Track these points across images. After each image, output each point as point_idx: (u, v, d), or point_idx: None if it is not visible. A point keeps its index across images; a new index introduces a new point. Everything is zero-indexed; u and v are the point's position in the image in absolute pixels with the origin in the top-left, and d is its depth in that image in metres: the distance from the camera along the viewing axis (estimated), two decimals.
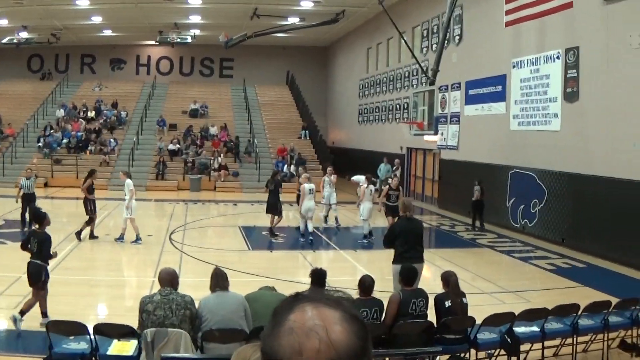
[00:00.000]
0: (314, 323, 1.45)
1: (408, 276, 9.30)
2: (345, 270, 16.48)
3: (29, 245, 11.11)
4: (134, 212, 19.40)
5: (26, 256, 11.04)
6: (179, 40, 42.20)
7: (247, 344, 4.38)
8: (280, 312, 1.53)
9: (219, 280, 8.59)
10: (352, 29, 44.49)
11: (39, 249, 11.02)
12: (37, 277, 10.96)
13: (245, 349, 4.22)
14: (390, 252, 19.07)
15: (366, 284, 9.11)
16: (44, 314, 10.89)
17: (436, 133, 25.25)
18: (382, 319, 8.95)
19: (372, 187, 21.01)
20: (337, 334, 1.43)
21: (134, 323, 8.18)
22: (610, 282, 15.48)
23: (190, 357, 7.64)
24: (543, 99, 21.53)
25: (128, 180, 20.05)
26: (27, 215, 19.59)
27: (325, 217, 23.76)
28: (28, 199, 20.88)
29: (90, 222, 19.83)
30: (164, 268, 8.70)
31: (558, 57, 20.58)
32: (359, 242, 20.63)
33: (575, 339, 9.72)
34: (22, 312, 10.60)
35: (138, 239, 19.06)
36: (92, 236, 19.76)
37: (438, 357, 9.03)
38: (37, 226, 11.62)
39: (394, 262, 11.81)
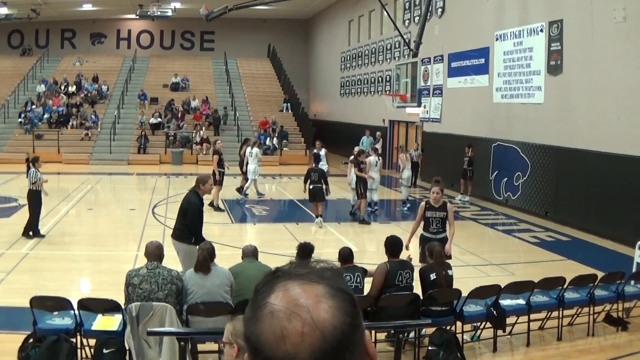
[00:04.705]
0: (295, 304, 1.34)
1: (394, 247, 9.28)
2: (328, 242, 16.50)
3: (311, 178, 18.37)
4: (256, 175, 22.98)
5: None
6: (159, 13, 41.77)
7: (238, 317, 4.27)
8: (260, 293, 1.41)
9: (203, 260, 8.45)
10: (334, 1, 44.20)
11: (320, 179, 18.34)
12: (323, 195, 18.49)
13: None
14: (376, 225, 19.16)
15: (345, 254, 9.17)
16: (318, 216, 18.64)
17: (419, 105, 25.16)
18: (369, 290, 8.98)
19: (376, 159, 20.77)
20: (321, 313, 1.32)
21: (119, 298, 8.13)
22: (594, 255, 15.55)
23: (175, 331, 7.61)
24: (526, 72, 21.49)
25: (256, 149, 22.97)
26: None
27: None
28: (40, 198, 15.83)
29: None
30: (151, 241, 8.61)
31: (542, 30, 20.51)
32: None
33: (561, 312, 9.77)
34: (320, 215, 18.61)
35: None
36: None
37: (424, 330, 9.05)
38: (314, 164, 19.60)
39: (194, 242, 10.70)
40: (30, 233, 15.60)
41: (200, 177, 11.35)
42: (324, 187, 18.55)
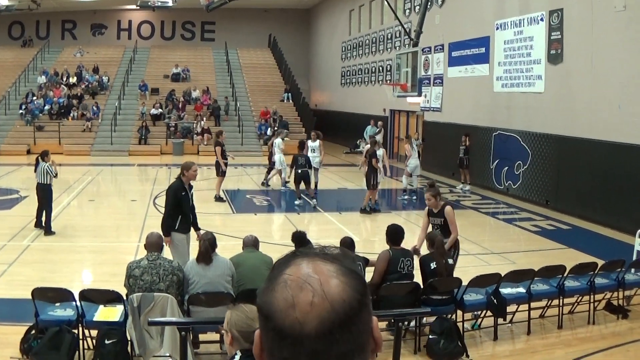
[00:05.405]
0: (308, 276, 1.41)
1: (395, 236, 9.31)
2: (329, 232, 16.48)
3: (298, 162, 19.79)
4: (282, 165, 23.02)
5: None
6: (159, 4, 41.78)
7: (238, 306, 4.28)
8: (277, 268, 1.49)
9: (205, 252, 8.47)
10: None
11: (306, 164, 19.90)
12: (309, 178, 20.19)
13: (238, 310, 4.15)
14: (376, 215, 19.11)
15: (346, 243, 9.25)
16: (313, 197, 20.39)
17: (419, 95, 25.15)
18: (372, 276, 9.02)
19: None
20: (332, 287, 1.40)
21: (120, 288, 8.15)
22: (595, 244, 15.55)
23: (177, 321, 7.62)
24: (527, 61, 21.46)
25: (278, 139, 23.19)
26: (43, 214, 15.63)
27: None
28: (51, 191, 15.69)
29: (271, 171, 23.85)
30: (152, 232, 8.63)
31: (542, 19, 20.48)
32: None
33: (561, 300, 9.79)
34: (315, 194, 20.68)
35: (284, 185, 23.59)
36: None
37: (424, 319, 9.07)
38: (299, 150, 20.55)
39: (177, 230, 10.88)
40: (43, 225, 15.40)
41: (184, 164, 11.39)
42: (310, 171, 20.49)
